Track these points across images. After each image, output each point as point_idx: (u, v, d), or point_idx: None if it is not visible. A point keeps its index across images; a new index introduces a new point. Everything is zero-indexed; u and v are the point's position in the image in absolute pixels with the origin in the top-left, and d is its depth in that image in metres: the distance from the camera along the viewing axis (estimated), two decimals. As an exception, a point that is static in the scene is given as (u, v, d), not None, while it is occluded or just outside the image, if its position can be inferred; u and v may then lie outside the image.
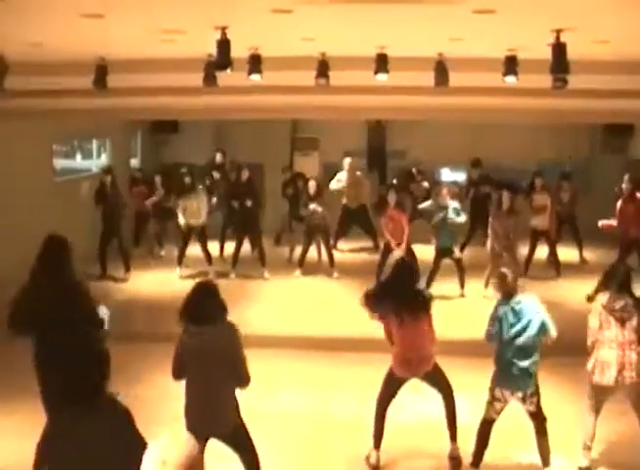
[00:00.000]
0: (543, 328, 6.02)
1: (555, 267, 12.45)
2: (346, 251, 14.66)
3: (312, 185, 12.70)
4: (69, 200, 12.71)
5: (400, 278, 6.46)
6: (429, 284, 10.96)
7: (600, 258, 13.34)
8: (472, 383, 7.24)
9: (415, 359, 6.25)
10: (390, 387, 6.43)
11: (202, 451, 5.06)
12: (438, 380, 6.45)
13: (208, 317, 5.17)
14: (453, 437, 6.45)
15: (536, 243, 12.41)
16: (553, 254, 12.52)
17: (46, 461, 3.51)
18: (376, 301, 6.41)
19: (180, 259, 12.69)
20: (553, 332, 6.05)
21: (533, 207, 12.29)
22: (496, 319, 6.07)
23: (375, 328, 9.12)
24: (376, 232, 13.77)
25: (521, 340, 5.96)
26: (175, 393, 5.58)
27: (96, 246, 12.33)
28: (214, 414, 5.16)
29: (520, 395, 6.05)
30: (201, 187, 12.69)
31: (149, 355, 8.53)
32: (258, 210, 12.99)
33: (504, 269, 6.35)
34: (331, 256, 12.85)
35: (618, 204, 11.37)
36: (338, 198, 14.04)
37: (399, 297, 6.27)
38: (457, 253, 11.38)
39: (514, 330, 5.98)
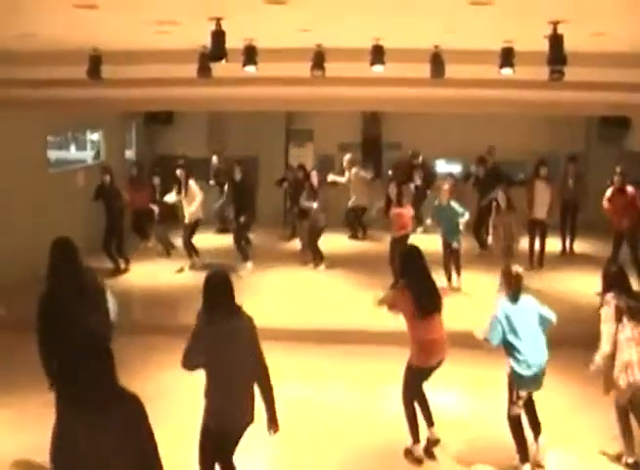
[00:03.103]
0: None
1: (540, 257, 12.46)
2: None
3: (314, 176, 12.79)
4: (63, 191, 12.64)
5: (415, 268, 6.39)
6: (448, 276, 11.13)
7: (593, 249, 13.41)
8: (465, 375, 7.31)
9: (436, 345, 6.27)
10: (415, 382, 6.38)
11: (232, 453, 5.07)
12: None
13: (233, 308, 5.07)
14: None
15: (535, 233, 12.36)
16: (543, 244, 12.48)
17: (53, 460, 3.40)
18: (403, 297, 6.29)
19: (189, 253, 12.60)
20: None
21: (534, 195, 12.20)
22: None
23: (368, 321, 9.21)
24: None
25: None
26: (173, 386, 5.57)
27: (92, 237, 12.30)
28: (247, 409, 5.07)
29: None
30: (192, 182, 12.49)
31: (147, 349, 8.53)
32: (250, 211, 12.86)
33: (518, 268, 6.22)
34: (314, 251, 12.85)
35: (607, 194, 11.46)
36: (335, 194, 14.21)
37: (420, 287, 6.28)
38: (455, 244, 11.24)
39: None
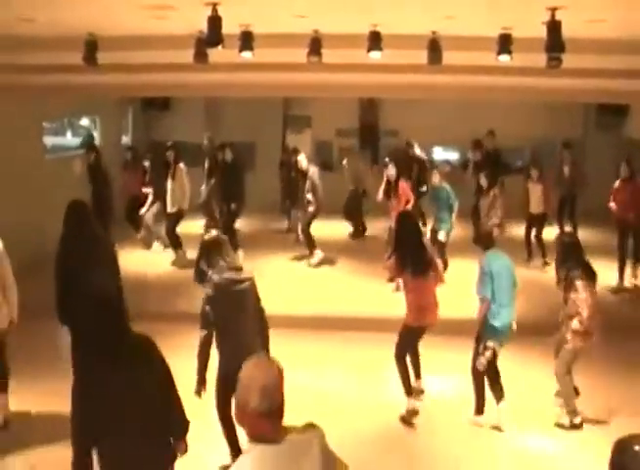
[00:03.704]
0: None
1: (541, 249, 12.29)
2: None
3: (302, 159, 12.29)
4: (60, 178, 12.58)
5: (408, 231, 6.89)
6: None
7: (593, 239, 13.38)
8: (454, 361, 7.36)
9: (430, 306, 6.78)
10: (408, 339, 6.86)
11: None
12: None
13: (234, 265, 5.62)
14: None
15: (531, 225, 12.21)
16: (539, 236, 12.26)
17: (84, 411, 3.78)
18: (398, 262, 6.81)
19: (174, 245, 12.09)
20: None
21: (529, 196, 12.06)
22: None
23: (365, 308, 9.22)
24: (360, 218, 13.94)
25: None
26: (183, 368, 5.65)
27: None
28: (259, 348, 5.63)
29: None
30: (182, 166, 12.06)
31: (155, 333, 8.45)
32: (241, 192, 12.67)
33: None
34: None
35: (615, 186, 11.04)
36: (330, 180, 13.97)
37: (412, 249, 6.76)
38: (442, 236, 10.99)
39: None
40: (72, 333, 6.45)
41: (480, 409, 6.73)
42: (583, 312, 6.41)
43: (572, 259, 6.62)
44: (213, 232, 5.86)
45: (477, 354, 6.57)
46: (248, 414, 2.69)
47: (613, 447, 2.62)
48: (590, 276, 6.60)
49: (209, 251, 5.61)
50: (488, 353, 6.43)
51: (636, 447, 2.54)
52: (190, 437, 4.20)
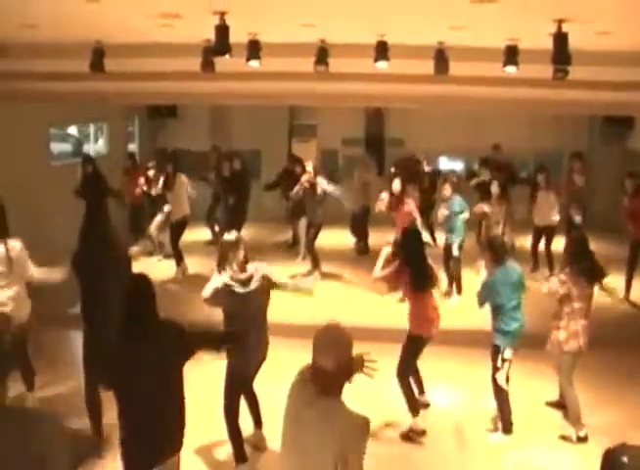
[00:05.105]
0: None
1: (548, 262, 12.02)
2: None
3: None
4: (66, 185, 12.60)
5: (413, 247, 6.84)
6: (450, 280, 10.73)
7: (600, 250, 13.29)
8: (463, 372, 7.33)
9: (431, 317, 6.73)
10: (411, 352, 6.76)
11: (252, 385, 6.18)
12: None
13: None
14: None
15: (539, 237, 12.00)
16: (548, 249, 11.96)
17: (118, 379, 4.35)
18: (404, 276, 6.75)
19: (178, 260, 11.85)
20: None
21: (538, 204, 11.83)
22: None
23: (367, 318, 9.20)
24: (366, 237, 13.76)
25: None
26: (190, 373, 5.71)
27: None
28: (261, 351, 6.03)
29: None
30: (182, 176, 11.90)
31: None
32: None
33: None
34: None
35: (625, 201, 10.83)
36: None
37: (416, 264, 6.69)
38: (456, 251, 10.65)
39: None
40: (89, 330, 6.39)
41: (508, 428, 6.52)
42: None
43: (580, 254, 6.64)
44: (234, 233, 6.00)
45: (495, 369, 6.45)
46: (313, 366, 3.38)
47: (602, 458, 2.64)
48: (590, 274, 6.57)
49: (226, 252, 5.83)
50: (507, 366, 6.37)
51: (624, 459, 2.57)
52: (194, 440, 4.20)
